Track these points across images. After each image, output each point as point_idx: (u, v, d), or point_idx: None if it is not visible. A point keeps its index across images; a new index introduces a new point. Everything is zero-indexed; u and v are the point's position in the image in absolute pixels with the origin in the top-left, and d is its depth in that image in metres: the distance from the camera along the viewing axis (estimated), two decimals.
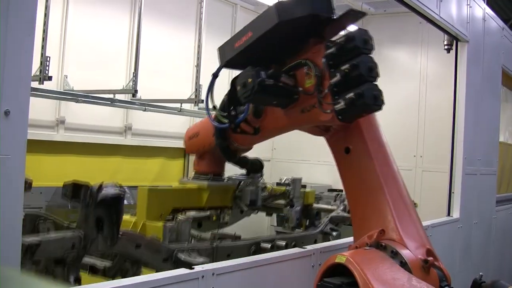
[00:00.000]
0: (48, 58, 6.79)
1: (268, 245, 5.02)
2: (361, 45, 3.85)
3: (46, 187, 8.14)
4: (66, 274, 3.36)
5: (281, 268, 4.30)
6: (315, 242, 5.77)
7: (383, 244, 3.83)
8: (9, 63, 2.57)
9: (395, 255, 3.75)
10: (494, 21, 9.86)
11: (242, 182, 5.48)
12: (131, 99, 8.41)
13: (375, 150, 4.22)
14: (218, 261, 4.22)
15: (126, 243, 3.67)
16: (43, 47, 6.80)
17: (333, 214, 6.28)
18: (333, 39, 4.07)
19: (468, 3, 8.45)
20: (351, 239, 4.36)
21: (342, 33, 4.10)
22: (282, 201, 6.43)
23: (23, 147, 2.71)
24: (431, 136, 10.09)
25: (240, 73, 4.18)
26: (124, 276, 3.95)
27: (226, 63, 4.42)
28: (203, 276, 3.58)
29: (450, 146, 8.48)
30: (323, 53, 3.96)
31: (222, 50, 4.45)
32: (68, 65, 8.00)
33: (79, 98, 7.73)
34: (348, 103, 3.80)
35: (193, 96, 8.82)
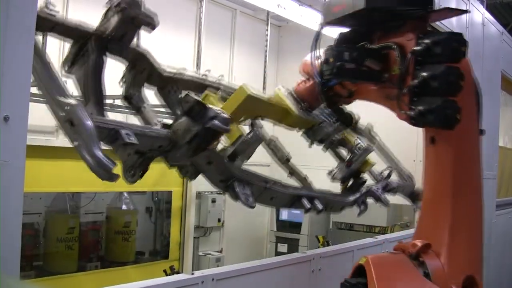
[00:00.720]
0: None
1: (308, 205, 4.72)
2: (446, 53, 3.39)
3: (45, 193, 8.14)
4: (137, 165, 3.30)
5: (280, 274, 4.30)
6: (341, 209, 5.55)
7: (422, 260, 3.61)
8: (8, 69, 2.57)
9: (426, 275, 3.54)
10: (494, 26, 9.88)
11: (324, 123, 5.14)
12: (128, 105, 8.39)
13: (460, 149, 3.73)
14: (259, 202, 4.20)
15: (202, 157, 3.54)
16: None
17: (372, 187, 6.00)
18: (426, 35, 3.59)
19: (468, 8, 8.46)
20: (351, 244, 4.36)
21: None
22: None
23: (22, 153, 2.70)
24: None
25: (334, 43, 3.97)
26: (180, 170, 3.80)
27: (327, 23, 4.04)
28: (202, 282, 3.58)
29: None
30: (413, 45, 3.54)
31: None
32: None
33: None
34: (418, 114, 3.49)
35: None
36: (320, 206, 4.77)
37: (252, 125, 4.10)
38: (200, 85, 4.22)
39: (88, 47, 3.29)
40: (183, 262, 9.89)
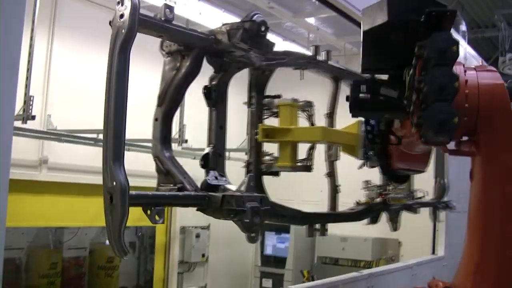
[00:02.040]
0: (31, 97, 6.77)
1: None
2: (434, 55, 3.00)
3: (28, 228, 8.08)
4: None
5: None
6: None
7: None
8: None
9: None
10: (475, 60, 9.98)
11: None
12: None
13: (491, 187, 3.13)
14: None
15: None
16: (27, 86, 6.79)
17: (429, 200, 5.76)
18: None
19: None
20: (336, 279, 4.30)
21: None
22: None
23: (5, 187, 2.67)
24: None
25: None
26: None
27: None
28: None
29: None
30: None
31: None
32: (52, 105, 7.99)
33: (62, 138, 7.70)
34: (415, 127, 3.09)
35: (177, 136, 8.80)
36: None
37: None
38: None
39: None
40: None
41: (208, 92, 3.20)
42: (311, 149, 3.77)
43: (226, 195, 2.81)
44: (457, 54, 2.98)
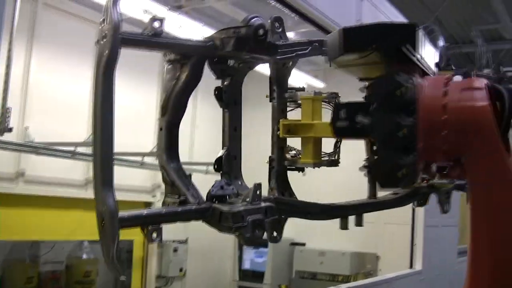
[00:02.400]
0: (9, 109, 6.72)
1: None
2: (378, 100, 2.76)
3: (3, 241, 7.99)
4: None
5: None
6: None
7: None
8: None
9: None
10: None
11: None
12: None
13: (478, 215, 2.82)
14: None
15: None
16: (4, 98, 6.74)
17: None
18: None
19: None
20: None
21: None
22: None
23: None
24: None
25: None
26: None
27: None
28: None
29: None
30: None
31: None
32: (30, 117, 7.94)
33: (40, 151, 7.65)
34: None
35: (156, 150, 8.75)
36: None
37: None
38: None
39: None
40: None
41: (219, 93, 3.09)
42: (338, 142, 3.52)
43: (224, 212, 2.69)
44: (402, 98, 2.66)
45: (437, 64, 3.72)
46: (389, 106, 2.69)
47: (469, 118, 2.63)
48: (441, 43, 9.89)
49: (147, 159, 9.05)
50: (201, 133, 10.34)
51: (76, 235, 8.65)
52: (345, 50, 2.93)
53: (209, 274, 11.39)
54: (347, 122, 2.93)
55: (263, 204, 2.83)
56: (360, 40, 2.94)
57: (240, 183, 3.03)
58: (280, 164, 3.35)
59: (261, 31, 2.85)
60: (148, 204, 9.76)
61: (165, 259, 10.26)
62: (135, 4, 6.80)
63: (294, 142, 3.49)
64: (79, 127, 8.52)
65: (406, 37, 2.82)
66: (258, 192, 2.80)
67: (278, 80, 3.39)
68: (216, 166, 3.06)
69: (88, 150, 8.36)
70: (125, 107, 9.18)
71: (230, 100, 3.14)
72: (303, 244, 11.06)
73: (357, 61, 2.97)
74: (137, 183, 9.41)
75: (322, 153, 3.25)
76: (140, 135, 9.44)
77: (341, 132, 2.93)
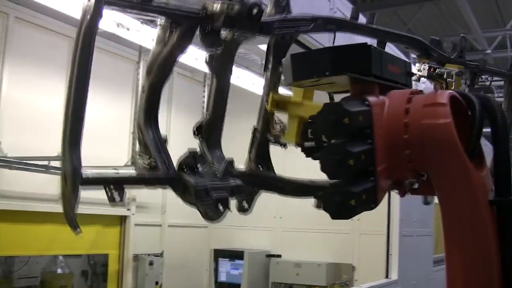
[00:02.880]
0: None
1: None
2: (322, 131, 2.60)
3: None
4: None
5: None
6: None
7: None
8: None
9: None
10: (425, 85, 10.15)
11: None
12: None
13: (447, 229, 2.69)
14: None
15: None
16: None
17: None
18: None
19: None
20: None
21: None
22: None
23: None
24: None
25: None
26: None
27: None
28: None
29: (386, 208, 8.58)
30: None
31: None
32: (2, 131, 7.88)
33: (13, 165, 7.59)
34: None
35: (130, 163, 8.77)
36: None
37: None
38: None
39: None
40: None
41: (210, 61, 3.01)
42: None
43: (188, 186, 2.66)
44: (351, 125, 2.46)
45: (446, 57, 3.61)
46: (336, 136, 2.51)
47: (430, 137, 2.51)
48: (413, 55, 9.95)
49: None
50: (174, 147, 10.25)
51: (51, 250, 8.58)
52: (294, 79, 2.89)
53: (185, 287, 11.34)
54: (314, 142, 2.74)
55: (232, 182, 2.80)
56: (309, 68, 2.85)
57: (217, 152, 2.98)
58: (263, 136, 3.30)
59: (255, 10, 2.72)
60: (123, 218, 9.72)
61: (140, 272, 10.19)
62: (108, 17, 6.78)
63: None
64: (54, 142, 8.47)
65: (358, 58, 2.70)
66: (229, 169, 2.78)
67: (275, 52, 3.26)
68: (195, 131, 3.06)
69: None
70: (99, 120, 9.15)
71: (219, 69, 3.06)
72: (279, 256, 11.06)
73: (315, 83, 2.90)
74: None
75: None
76: (113, 148, 9.42)
77: (308, 152, 2.77)
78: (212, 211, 2.72)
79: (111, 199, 2.54)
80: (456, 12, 15.26)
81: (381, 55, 2.77)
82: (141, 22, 7.03)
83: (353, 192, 2.44)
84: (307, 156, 2.76)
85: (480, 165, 2.60)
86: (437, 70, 4.82)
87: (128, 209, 9.75)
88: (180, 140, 10.56)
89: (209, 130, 3.05)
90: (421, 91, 2.68)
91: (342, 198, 2.46)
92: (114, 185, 2.52)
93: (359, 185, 2.46)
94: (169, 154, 2.73)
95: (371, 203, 2.52)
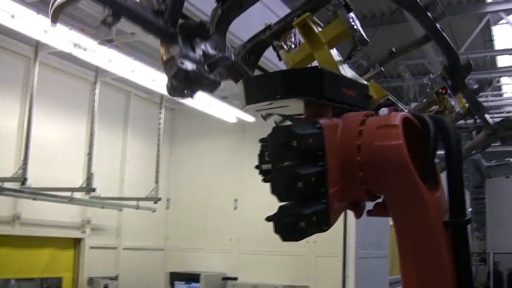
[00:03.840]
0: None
1: None
2: (273, 154, 2.62)
3: None
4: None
5: None
6: None
7: None
8: None
9: None
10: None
11: None
12: (20, 188, 8.17)
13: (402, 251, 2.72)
14: None
15: None
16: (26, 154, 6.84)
17: None
18: None
19: None
20: None
21: None
22: None
23: None
24: None
25: None
26: None
27: None
28: None
29: (342, 231, 8.63)
30: None
31: None
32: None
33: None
34: None
35: (85, 185, 8.72)
36: None
37: None
38: None
39: None
40: None
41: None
42: None
43: (170, 58, 2.72)
44: (299, 149, 2.45)
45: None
46: (286, 159, 2.51)
47: (382, 158, 2.51)
48: None
49: (77, 195, 8.90)
50: (131, 168, 10.28)
51: (3, 274, 8.42)
52: (247, 103, 2.86)
53: None
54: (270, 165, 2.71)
55: (211, 77, 2.82)
56: (261, 91, 2.83)
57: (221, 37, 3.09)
58: (269, 38, 3.42)
59: None
60: (78, 240, 9.59)
61: None
62: (65, 37, 6.73)
63: None
64: (6, 162, 8.37)
65: (311, 82, 2.68)
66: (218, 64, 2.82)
67: None
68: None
69: (16, 185, 8.20)
70: (55, 141, 9.07)
71: (213, 29, 3.12)
72: (235, 279, 11.01)
73: (268, 106, 2.88)
74: (66, 219, 9.24)
75: None
76: (69, 170, 9.31)
77: (266, 175, 2.72)
78: (177, 92, 2.76)
79: (103, 21, 2.53)
80: (411, 36, 15.49)
81: (335, 78, 2.78)
82: (98, 43, 6.99)
83: (303, 214, 2.40)
84: (263, 179, 2.71)
85: (435, 186, 2.62)
86: (446, 95, 4.89)
87: (83, 232, 9.63)
88: (137, 161, 10.71)
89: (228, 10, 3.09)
90: (376, 113, 2.66)
91: (291, 220, 2.42)
92: (114, 7, 2.50)
93: (310, 207, 2.43)
94: (180, 10, 2.74)
95: (323, 225, 2.48)
